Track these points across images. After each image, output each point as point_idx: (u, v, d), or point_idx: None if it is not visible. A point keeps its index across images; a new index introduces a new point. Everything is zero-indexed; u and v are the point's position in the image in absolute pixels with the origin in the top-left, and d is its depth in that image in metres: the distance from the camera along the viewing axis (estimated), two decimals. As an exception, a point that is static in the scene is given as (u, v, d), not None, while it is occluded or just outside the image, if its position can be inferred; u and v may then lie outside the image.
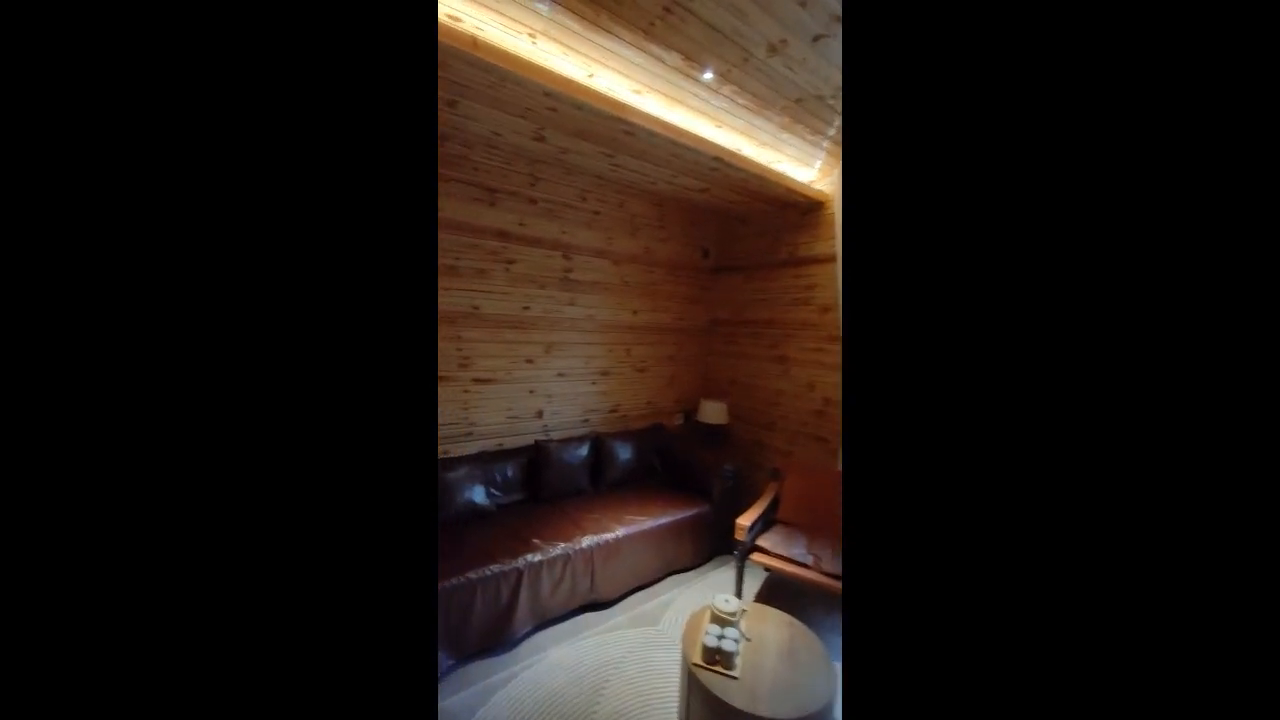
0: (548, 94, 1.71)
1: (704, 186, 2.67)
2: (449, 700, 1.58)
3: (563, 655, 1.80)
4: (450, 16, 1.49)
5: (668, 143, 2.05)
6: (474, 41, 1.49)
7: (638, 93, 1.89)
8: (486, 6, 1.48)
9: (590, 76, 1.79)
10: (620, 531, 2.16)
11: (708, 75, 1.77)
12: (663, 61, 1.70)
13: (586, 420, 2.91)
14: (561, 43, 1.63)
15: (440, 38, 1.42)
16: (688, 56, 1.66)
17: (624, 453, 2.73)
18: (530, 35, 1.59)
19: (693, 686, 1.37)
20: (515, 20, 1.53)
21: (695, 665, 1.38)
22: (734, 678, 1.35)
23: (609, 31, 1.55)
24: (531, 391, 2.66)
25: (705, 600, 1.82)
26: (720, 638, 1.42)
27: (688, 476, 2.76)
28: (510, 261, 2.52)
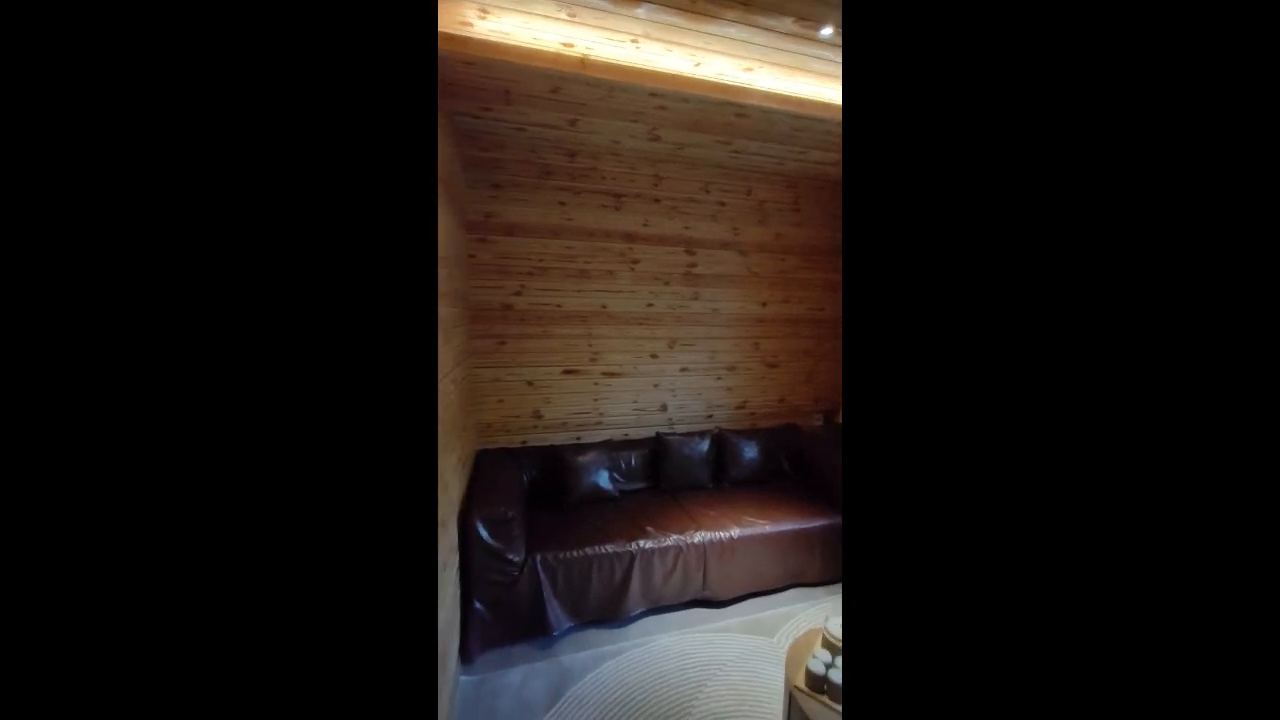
0: (653, 94, 1.74)
1: (839, 159, 2.37)
2: (566, 657, 1.77)
3: (670, 643, 1.84)
4: (564, 44, 1.64)
5: (786, 117, 1.89)
6: (582, 62, 1.61)
7: (749, 70, 1.79)
8: (591, 26, 1.58)
9: (697, 65, 1.76)
10: (736, 532, 2.09)
11: (826, 31, 1.57)
12: (773, 30, 1.57)
13: (711, 416, 2.88)
14: (664, 40, 1.64)
15: (553, 65, 1.58)
16: (800, 17, 1.50)
17: (749, 451, 2.62)
18: (633, 40, 1.64)
19: (794, 710, 1.26)
20: (617, 30, 1.60)
21: (798, 689, 1.27)
22: (837, 711, 1.19)
23: (710, 16, 1.51)
24: (656, 385, 2.76)
25: (824, 621, 1.64)
26: (829, 666, 1.27)
27: (821, 484, 2.51)
28: (635, 261, 2.65)
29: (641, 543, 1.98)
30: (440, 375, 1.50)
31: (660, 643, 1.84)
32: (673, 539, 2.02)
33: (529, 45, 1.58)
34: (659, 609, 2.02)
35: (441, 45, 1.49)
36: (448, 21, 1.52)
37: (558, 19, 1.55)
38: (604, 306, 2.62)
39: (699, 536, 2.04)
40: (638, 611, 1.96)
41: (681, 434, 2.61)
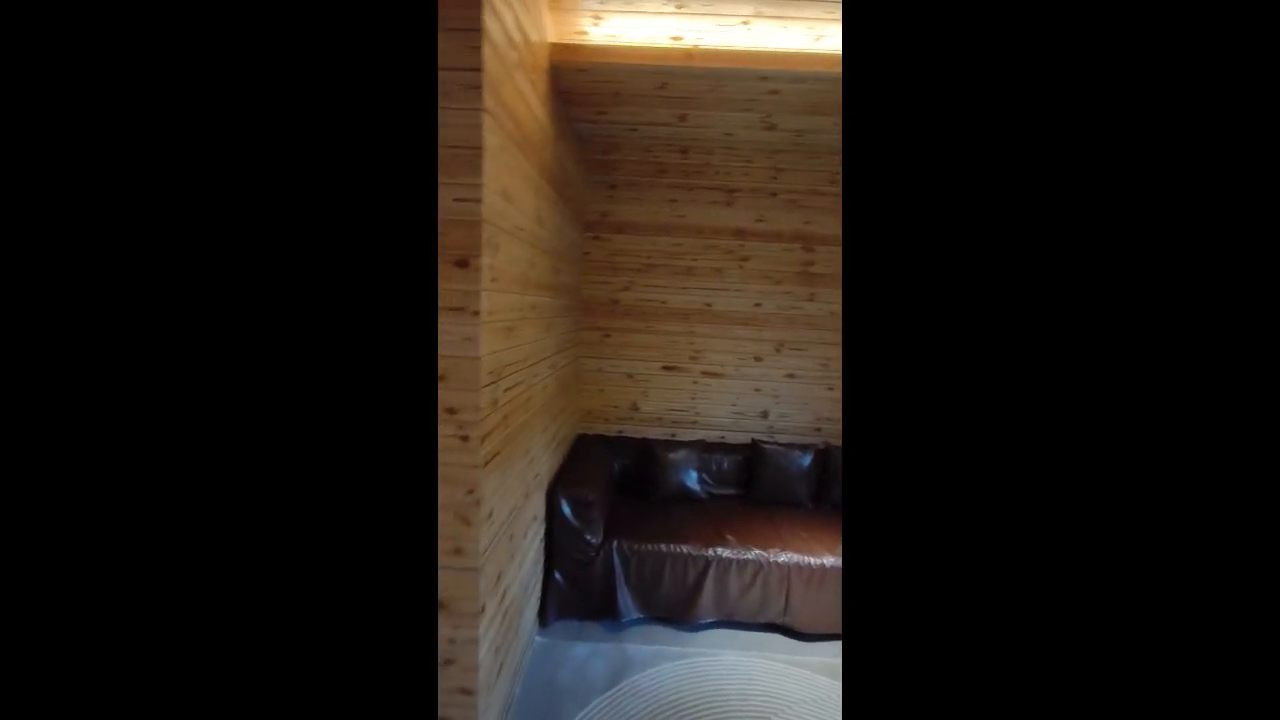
0: (763, 78, 1.64)
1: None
2: (630, 645, 1.79)
3: (738, 662, 1.73)
4: (672, 38, 1.65)
5: (928, 87, 1.59)
6: (689, 54, 1.60)
7: (880, 38, 1.56)
8: (699, 14, 1.56)
9: (818, 40, 1.61)
10: (829, 560, 1.86)
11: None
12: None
13: (819, 429, 2.61)
14: (779, 16, 1.53)
15: (660, 60, 1.60)
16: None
17: (860, 474, 2.30)
18: (743, 21, 1.57)
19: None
20: (726, 14, 1.54)
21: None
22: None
23: (825, -19, 1.36)
24: (758, 390, 2.60)
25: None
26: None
27: (952, 526, 2.08)
28: (745, 259, 2.54)
29: (719, 550, 1.89)
30: (537, 360, 1.65)
31: (727, 659, 1.74)
32: (754, 553, 1.89)
33: (637, 45, 1.63)
34: (732, 623, 1.91)
35: (555, 56, 1.62)
36: (563, 33, 1.65)
37: (665, 13, 1.56)
38: (708, 305, 2.57)
39: (784, 557, 1.87)
40: (708, 620, 1.89)
41: (782, 444, 2.42)
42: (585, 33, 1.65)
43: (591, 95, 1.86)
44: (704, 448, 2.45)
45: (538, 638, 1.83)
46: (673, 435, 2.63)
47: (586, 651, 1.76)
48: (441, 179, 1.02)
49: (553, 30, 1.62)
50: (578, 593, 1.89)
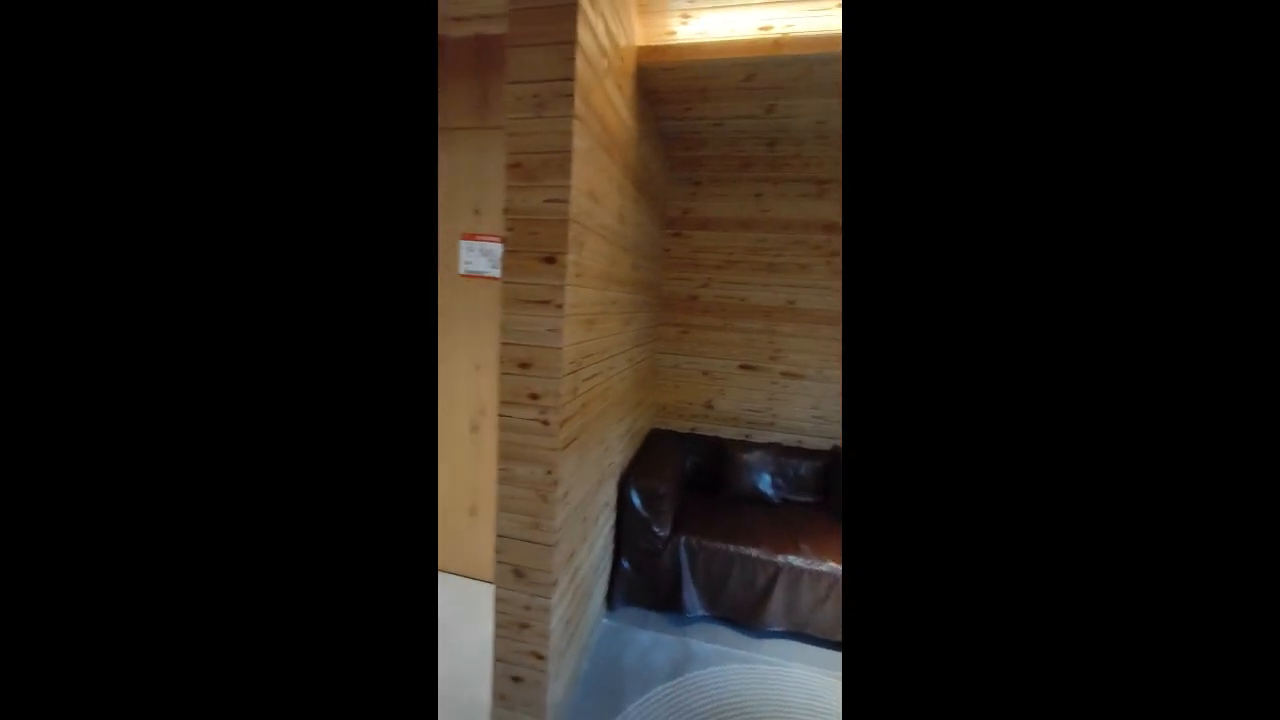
0: (861, 60, 1.53)
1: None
2: (694, 641, 1.80)
3: (806, 678, 1.65)
4: (761, 29, 1.60)
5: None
6: (776, 43, 1.54)
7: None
8: (789, 1, 1.50)
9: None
10: (916, 585, 1.71)
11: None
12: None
13: (913, 441, 2.38)
14: (881, -6, 1.42)
15: (747, 52, 1.57)
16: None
17: (960, 495, 2.07)
18: (838, 3, 1.48)
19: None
20: (820, -1, 1.47)
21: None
22: None
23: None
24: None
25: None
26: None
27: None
28: (834, 254, 2.39)
29: (791, 558, 1.82)
30: (615, 353, 1.72)
31: (794, 672, 1.68)
32: (828, 566, 1.79)
33: (723, 39, 1.61)
34: (803, 636, 1.83)
35: (642, 58, 1.65)
36: (651, 35, 1.69)
37: (754, 3, 1.53)
38: (791, 302, 2.47)
39: (864, 574, 1.75)
40: (777, 629, 1.83)
41: (867, 454, 2.25)
42: (673, 33, 1.67)
43: (678, 93, 1.88)
44: (780, 451, 2.36)
45: (604, 620, 1.91)
46: (747, 436, 2.57)
47: (650, 640, 1.80)
48: (533, 182, 1.11)
49: (641, 34, 1.66)
50: (644, 581, 1.94)
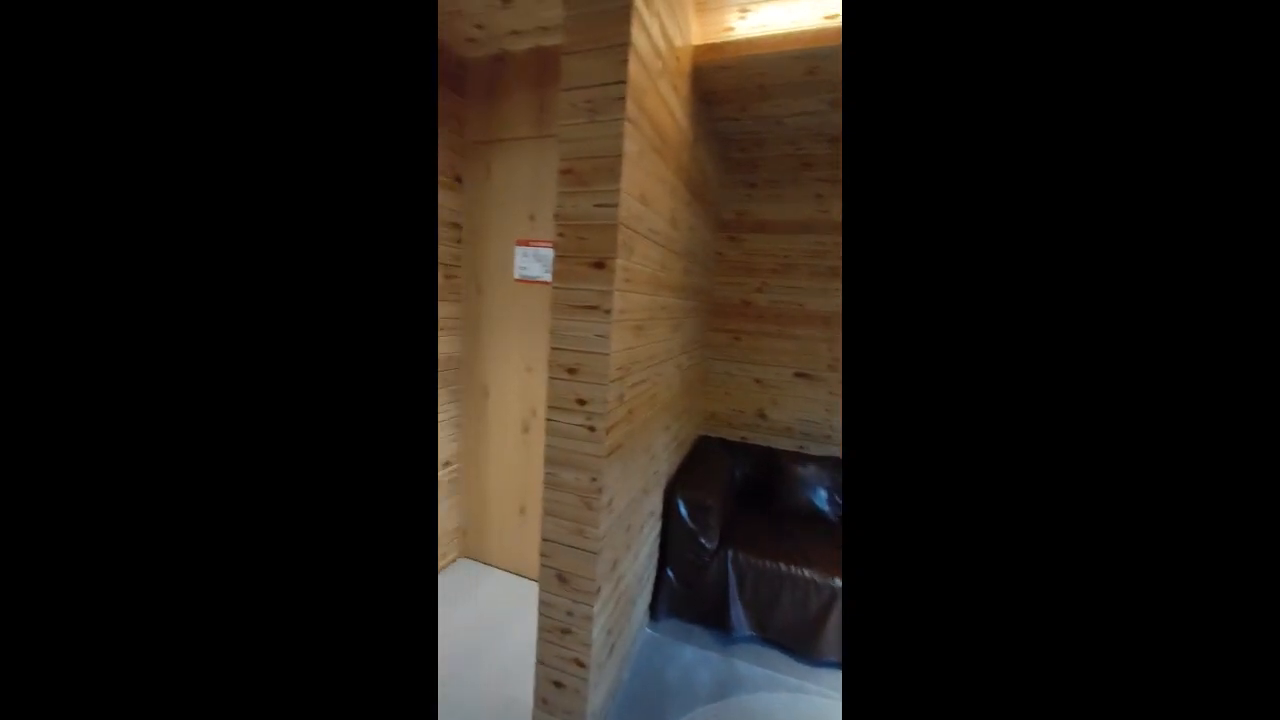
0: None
1: None
2: (741, 663, 1.71)
3: (865, 716, 1.52)
4: (826, 17, 1.51)
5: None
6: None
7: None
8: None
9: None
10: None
11: None
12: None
13: (993, 463, 2.14)
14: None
15: (810, 44, 1.49)
16: None
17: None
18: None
19: None
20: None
21: None
22: None
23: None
24: (911, 408, 2.25)
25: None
26: None
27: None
28: (903, 256, 2.21)
29: (849, 584, 1.69)
30: (664, 359, 1.68)
31: (852, 708, 1.55)
32: (892, 596, 1.64)
33: (784, 31, 1.54)
34: (861, 670, 1.69)
35: (698, 58, 1.62)
36: (708, 33, 1.64)
37: (819, -7, 1.44)
38: (853, 308, 2.31)
39: (933, 608, 1.58)
40: (832, 658, 1.70)
41: (938, 475, 2.05)
42: (731, 29, 1.62)
43: (735, 92, 1.82)
44: (838, 465, 2.21)
45: (647, 630, 1.87)
46: (802, 448, 2.44)
47: (694, 656, 1.74)
48: (584, 187, 1.11)
49: (698, 32, 1.62)
50: (690, 594, 1.88)
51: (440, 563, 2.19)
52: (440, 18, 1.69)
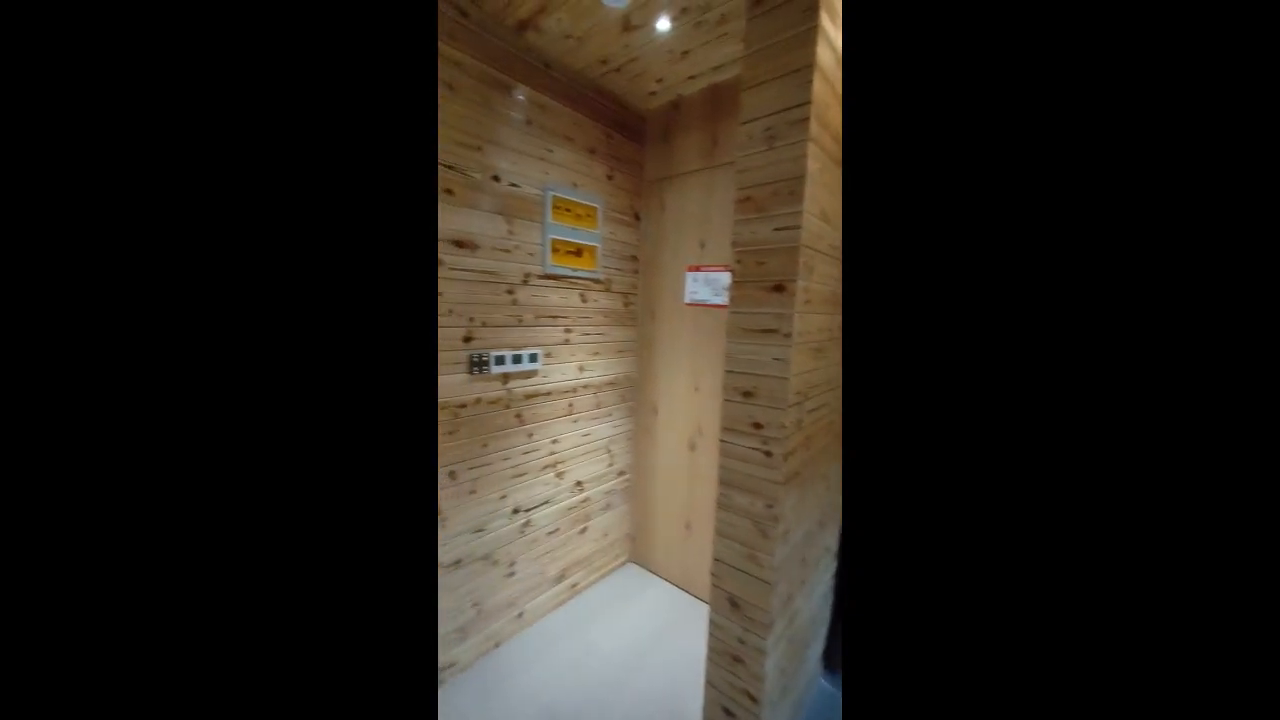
0: None
1: None
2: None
3: None
4: None
5: None
6: None
7: None
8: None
9: None
10: None
11: None
12: None
13: None
14: None
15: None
16: None
17: None
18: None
19: None
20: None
21: None
22: None
23: None
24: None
25: None
26: None
27: None
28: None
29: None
30: (840, 384, 1.56)
31: None
32: None
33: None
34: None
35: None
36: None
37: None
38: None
39: None
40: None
41: None
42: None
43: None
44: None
45: (822, 681, 1.70)
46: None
47: None
48: (762, 213, 1.12)
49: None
50: (873, 652, 1.65)
51: (612, 563, 2.39)
52: (624, 80, 1.93)
